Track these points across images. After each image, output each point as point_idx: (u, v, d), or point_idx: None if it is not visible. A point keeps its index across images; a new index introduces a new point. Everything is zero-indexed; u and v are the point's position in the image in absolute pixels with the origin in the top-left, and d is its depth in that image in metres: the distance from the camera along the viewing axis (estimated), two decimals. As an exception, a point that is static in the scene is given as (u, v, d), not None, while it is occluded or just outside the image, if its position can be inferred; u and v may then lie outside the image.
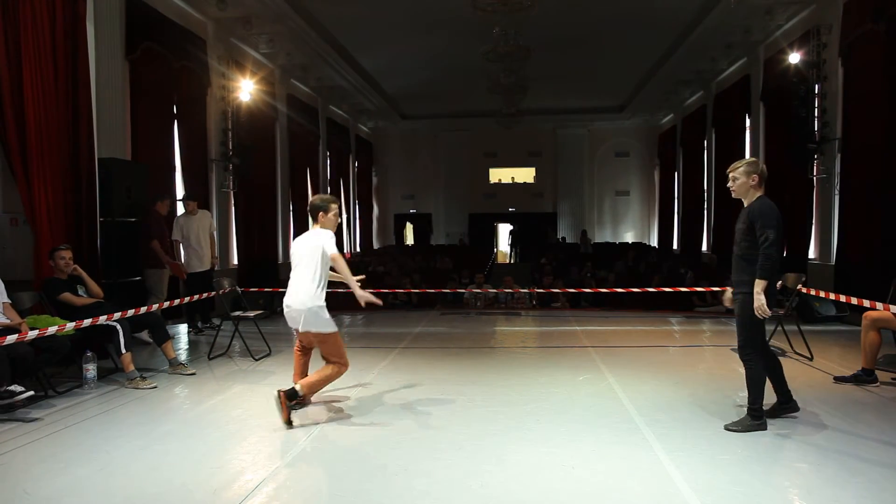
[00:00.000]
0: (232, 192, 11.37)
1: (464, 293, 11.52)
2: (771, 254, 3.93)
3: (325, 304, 4.54)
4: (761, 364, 4.13)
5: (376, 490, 3.27)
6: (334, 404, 4.83)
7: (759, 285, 3.95)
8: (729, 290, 4.34)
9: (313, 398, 4.83)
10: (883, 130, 8.31)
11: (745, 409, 4.19)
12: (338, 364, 4.61)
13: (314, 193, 15.51)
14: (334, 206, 4.78)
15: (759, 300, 3.95)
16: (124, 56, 8.16)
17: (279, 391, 4.28)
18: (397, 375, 5.84)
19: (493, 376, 5.77)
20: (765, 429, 4.06)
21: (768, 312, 3.95)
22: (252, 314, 6.90)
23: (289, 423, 4.24)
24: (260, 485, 3.33)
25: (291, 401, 4.29)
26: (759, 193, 4.11)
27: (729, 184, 4.22)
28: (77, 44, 6.74)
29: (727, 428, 4.09)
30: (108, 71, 7.50)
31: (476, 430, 4.18)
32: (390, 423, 4.38)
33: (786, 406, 4.34)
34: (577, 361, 6.37)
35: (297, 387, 4.39)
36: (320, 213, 4.72)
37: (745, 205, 4.17)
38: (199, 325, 8.38)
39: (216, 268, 8.60)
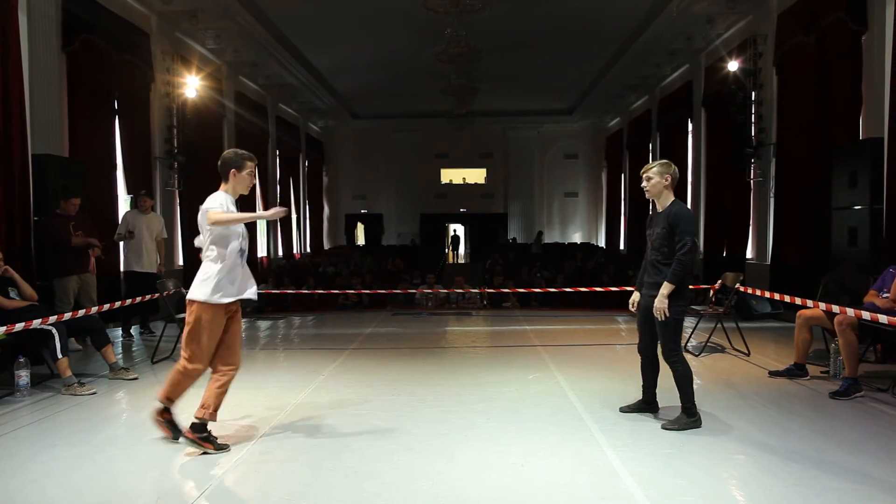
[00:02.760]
0: (177, 191, 11.05)
1: (415, 293, 11.53)
2: (685, 261, 4.01)
3: (211, 278, 3.76)
4: (686, 362, 4.21)
5: (325, 493, 3.24)
6: (282, 407, 4.75)
7: (666, 288, 4.04)
8: (636, 294, 4.43)
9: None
10: (813, 137, 8.74)
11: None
12: (183, 358, 3.80)
13: (263, 192, 15.21)
14: (250, 163, 3.95)
15: (663, 303, 4.05)
16: (61, 48, 7.83)
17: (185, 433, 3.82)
18: (348, 377, 5.80)
19: (444, 376, 5.80)
20: (700, 425, 4.15)
21: (667, 314, 4.06)
22: (198, 316, 6.70)
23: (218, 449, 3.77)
24: (206, 491, 3.25)
25: (163, 416, 3.92)
26: (672, 196, 4.19)
27: (643, 184, 4.26)
28: (8, 35, 6.44)
29: (665, 427, 4.16)
30: (42, 64, 7.19)
31: (427, 430, 4.19)
32: (340, 425, 4.35)
33: (650, 405, 4.49)
34: (526, 360, 6.46)
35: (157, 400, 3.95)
36: (232, 171, 3.89)
37: (660, 209, 4.22)
38: (133, 330, 8.04)
39: (161, 272, 8.24)
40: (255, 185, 16.05)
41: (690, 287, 4.43)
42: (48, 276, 6.87)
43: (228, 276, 3.81)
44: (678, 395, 4.22)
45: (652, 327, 4.27)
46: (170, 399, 3.93)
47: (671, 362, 4.19)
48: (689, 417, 4.18)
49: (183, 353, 3.84)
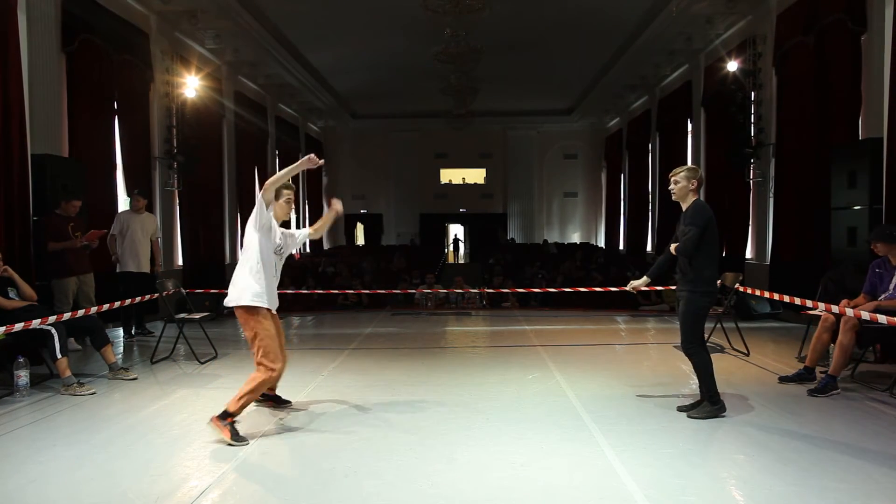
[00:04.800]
0: (177, 191, 11.04)
1: (414, 294, 11.53)
2: (689, 239, 4.24)
3: (254, 284, 4.14)
4: (704, 353, 4.36)
5: (324, 493, 3.24)
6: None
7: (672, 247, 4.38)
8: (643, 280, 4.73)
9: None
10: (812, 137, 8.74)
11: (703, 400, 4.43)
12: (261, 368, 4.06)
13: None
14: (287, 191, 4.33)
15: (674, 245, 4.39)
16: (60, 48, 7.83)
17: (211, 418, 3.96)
18: (347, 377, 5.80)
19: (443, 376, 5.80)
20: (724, 411, 4.34)
21: (637, 289, 4.63)
22: (198, 316, 6.73)
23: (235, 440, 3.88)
24: (205, 491, 3.25)
25: (224, 419, 3.93)
26: (695, 197, 4.41)
27: (670, 186, 4.48)
28: (7, 35, 6.44)
29: (690, 416, 4.32)
30: (42, 64, 7.19)
31: (426, 431, 4.19)
32: (339, 425, 4.35)
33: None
34: (526, 360, 6.46)
35: (225, 407, 3.99)
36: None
37: (683, 209, 4.43)
38: (133, 331, 8.06)
39: (157, 272, 8.25)
40: (254, 185, 16.02)
41: (716, 286, 4.55)
42: (47, 276, 6.85)
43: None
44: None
45: None
46: (238, 406, 4.06)
47: (688, 352, 4.37)
48: (713, 405, 4.33)
49: (260, 364, 4.16)
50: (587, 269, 14.19)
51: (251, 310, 4.14)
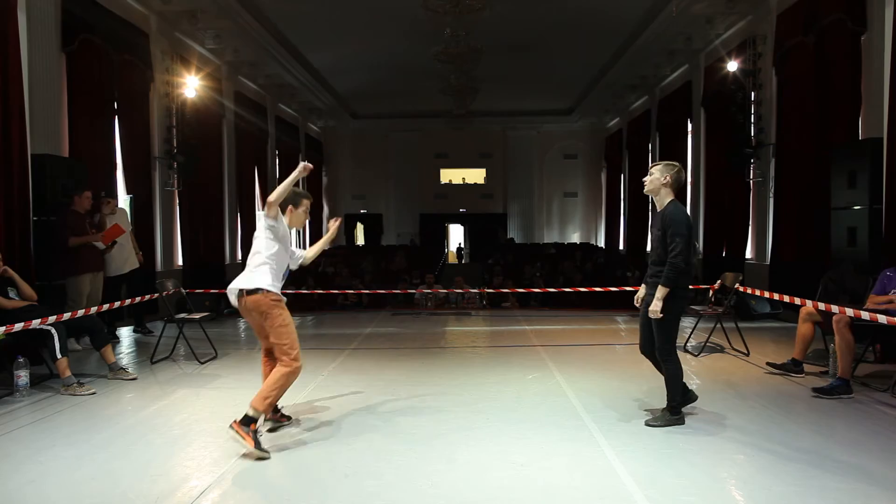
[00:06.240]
0: (176, 191, 11.05)
1: (414, 294, 11.53)
2: (677, 263, 4.05)
3: (269, 275, 4.01)
4: (678, 361, 4.28)
5: (325, 493, 3.24)
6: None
7: (661, 291, 4.09)
8: (641, 289, 4.45)
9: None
10: (812, 137, 8.74)
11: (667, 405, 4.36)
12: (288, 362, 3.91)
13: (262, 193, 15.22)
14: (306, 201, 4.34)
15: (657, 305, 4.10)
16: (60, 48, 7.82)
17: (232, 423, 3.70)
18: (347, 377, 5.80)
19: (443, 376, 5.80)
20: (683, 423, 4.22)
21: (659, 316, 4.11)
22: (197, 316, 6.72)
23: (262, 451, 3.65)
24: (205, 491, 3.25)
25: (248, 425, 3.68)
26: (670, 197, 4.22)
27: (645, 178, 4.32)
28: (7, 35, 6.44)
29: (648, 424, 4.22)
30: (42, 63, 7.18)
31: (426, 431, 4.19)
32: (339, 425, 4.35)
33: (685, 398, 4.44)
34: (526, 360, 6.46)
35: (250, 410, 3.74)
36: (289, 207, 4.24)
37: (659, 209, 4.28)
38: (127, 330, 8.06)
39: (141, 261, 8.29)
40: (254, 185, 16.01)
41: (690, 287, 4.45)
42: (60, 274, 6.84)
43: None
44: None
45: (651, 327, 4.30)
46: (268, 404, 3.89)
47: (663, 359, 4.26)
48: (672, 415, 4.24)
49: (285, 358, 3.95)
50: (583, 272, 14.19)
51: (273, 296, 3.97)
